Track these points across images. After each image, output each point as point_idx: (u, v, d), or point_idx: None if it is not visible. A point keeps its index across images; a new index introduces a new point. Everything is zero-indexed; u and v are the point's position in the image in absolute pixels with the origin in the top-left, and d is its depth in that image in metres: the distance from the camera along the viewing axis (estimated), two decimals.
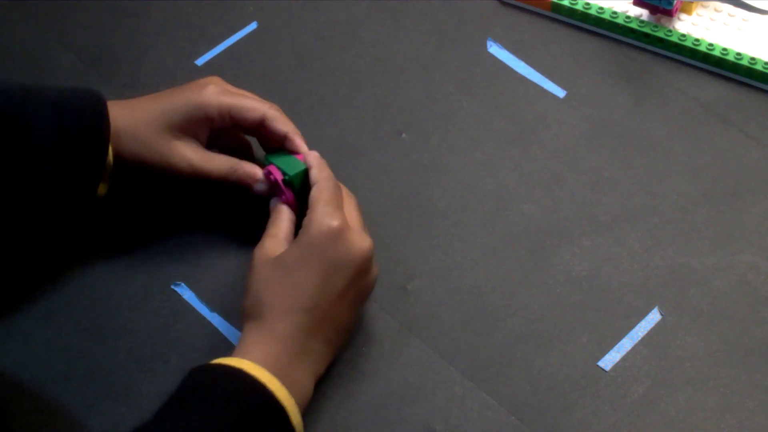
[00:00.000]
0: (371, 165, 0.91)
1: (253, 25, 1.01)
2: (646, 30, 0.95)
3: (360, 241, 0.76)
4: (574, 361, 0.79)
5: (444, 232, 0.86)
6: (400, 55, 0.98)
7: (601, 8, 0.97)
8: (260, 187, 0.83)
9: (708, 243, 0.85)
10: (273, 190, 0.82)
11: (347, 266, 0.76)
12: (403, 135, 0.93)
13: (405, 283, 0.84)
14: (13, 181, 0.78)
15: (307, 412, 0.74)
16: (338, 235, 0.76)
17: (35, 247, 0.86)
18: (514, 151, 0.91)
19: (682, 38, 0.95)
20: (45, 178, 0.79)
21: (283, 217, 0.80)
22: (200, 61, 0.98)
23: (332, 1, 1.02)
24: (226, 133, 0.86)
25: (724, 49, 0.93)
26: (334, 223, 0.76)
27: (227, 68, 0.98)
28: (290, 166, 0.82)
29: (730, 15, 0.96)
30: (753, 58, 0.93)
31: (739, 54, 0.93)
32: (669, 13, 0.95)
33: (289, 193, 0.81)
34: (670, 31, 0.95)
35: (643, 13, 0.97)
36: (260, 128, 0.84)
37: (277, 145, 0.85)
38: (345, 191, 0.81)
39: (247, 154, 0.88)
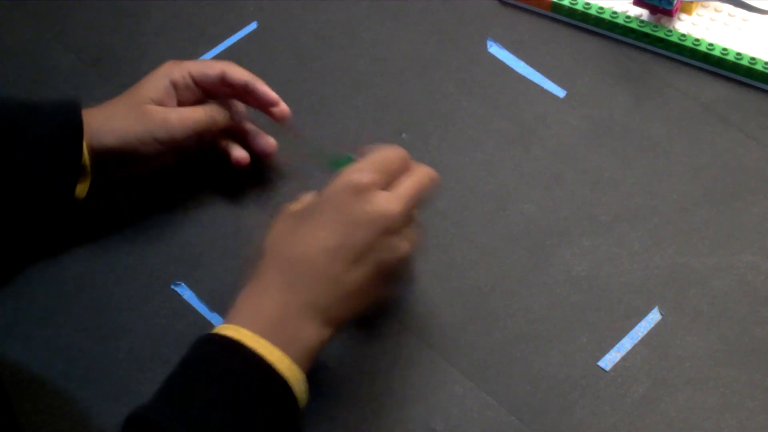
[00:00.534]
0: None
1: (253, 25, 1.01)
2: (646, 30, 0.95)
3: (386, 202, 0.72)
4: (574, 361, 0.79)
5: (444, 232, 0.86)
6: (400, 55, 0.98)
7: (601, 8, 0.97)
8: (237, 115, 0.86)
9: (708, 243, 0.85)
10: None
11: (365, 225, 0.71)
12: (403, 135, 0.93)
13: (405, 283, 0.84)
14: None
15: (306, 412, 0.74)
16: (361, 191, 0.72)
17: (17, 247, 0.86)
18: (514, 151, 0.91)
19: (682, 38, 0.95)
20: (17, 174, 0.80)
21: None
22: None
23: (332, 1, 1.02)
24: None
25: (724, 49, 0.93)
26: (360, 178, 0.72)
27: None
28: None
29: (730, 15, 0.96)
30: (753, 58, 0.93)
31: (739, 54, 0.93)
32: (669, 13, 0.95)
33: None
34: (670, 31, 0.95)
35: (643, 13, 0.97)
36: (225, 86, 0.86)
37: (255, 102, 0.87)
38: (423, 169, 0.76)
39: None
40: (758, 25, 0.96)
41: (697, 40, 0.94)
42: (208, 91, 0.87)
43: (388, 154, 0.75)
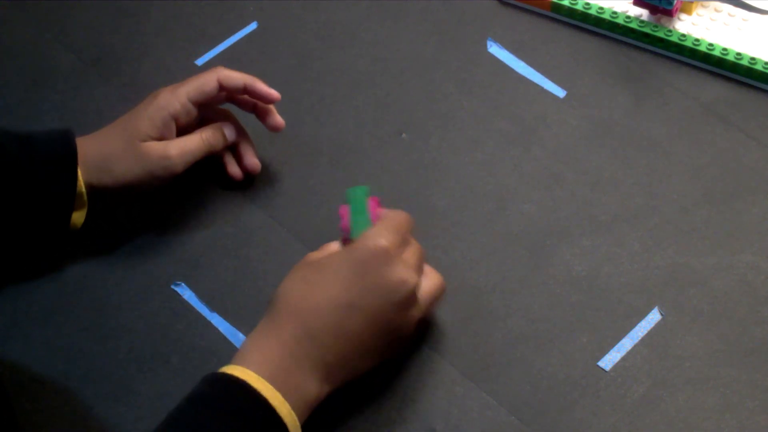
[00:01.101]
0: (371, 165, 0.91)
1: (253, 25, 1.01)
2: (646, 30, 0.95)
3: (404, 271, 0.73)
4: (574, 361, 0.79)
5: (444, 232, 0.86)
6: (400, 55, 0.98)
7: (601, 8, 0.97)
8: (231, 136, 0.87)
9: (708, 243, 0.85)
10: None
11: (381, 290, 0.73)
12: (403, 135, 0.93)
13: None
14: None
15: None
16: (382, 255, 0.73)
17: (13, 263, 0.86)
18: (514, 151, 0.91)
19: (682, 38, 0.95)
20: (11, 206, 0.80)
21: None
22: (200, 61, 0.98)
23: (332, 1, 1.02)
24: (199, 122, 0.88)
25: (724, 49, 0.93)
26: (383, 242, 0.73)
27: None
28: (359, 226, 0.77)
29: (730, 15, 0.96)
30: (753, 58, 0.93)
31: (739, 54, 0.93)
32: (669, 13, 0.95)
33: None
34: (670, 31, 0.95)
35: (643, 13, 0.97)
36: (225, 94, 0.86)
37: (250, 103, 0.88)
38: (416, 244, 0.78)
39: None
40: (758, 25, 0.96)
41: (697, 40, 0.94)
42: (206, 105, 0.86)
43: (402, 218, 0.77)
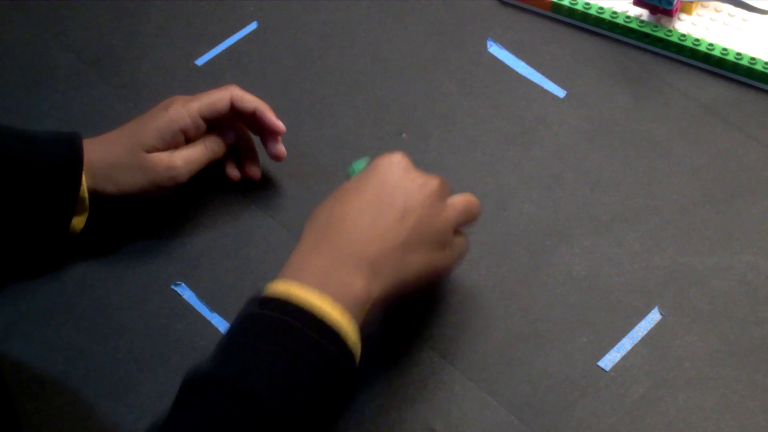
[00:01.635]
0: None
1: (253, 25, 1.01)
2: (646, 30, 0.95)
3: (426, 176, 0.75)
4: (574, 361, 0.79)
5: None
6: (400, 55, 0.98)
7: (601, 8, 0.97)
8: (230, 139, 0.87)
9: (708, 243, 0.85)
10: None
11: (407, 188, 0.74)
12: (403, 135, 0.93)
13: None
14: None
15: None
16: (405, 166, 0.75)
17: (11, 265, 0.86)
18: (514, 151, 0.91)
19: (682, 38, 0.95)
20: (12, 206, 0.80)
21: None
22: (200, 61, 0.98)
23: (332, 1, 1.02)
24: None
25: (724, 49, 0.93)
26: (398, 156, 0.75)
27: (227, 68, 0.98)
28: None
29: (730, 15, 0.96)
30: (753, 58, 0.93)
31: (739, 54, 0.93)
32: (669, 13, 0.95)
33: None
34: (670, 31, 0.95)
35: (643, 13, 0.97)
36: (239, 115, 0.86)
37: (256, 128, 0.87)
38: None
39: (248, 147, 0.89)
40: (758, 25, 0.96)
41: (697, 40, 0.94)
42: (215, 122, 0.86)
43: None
